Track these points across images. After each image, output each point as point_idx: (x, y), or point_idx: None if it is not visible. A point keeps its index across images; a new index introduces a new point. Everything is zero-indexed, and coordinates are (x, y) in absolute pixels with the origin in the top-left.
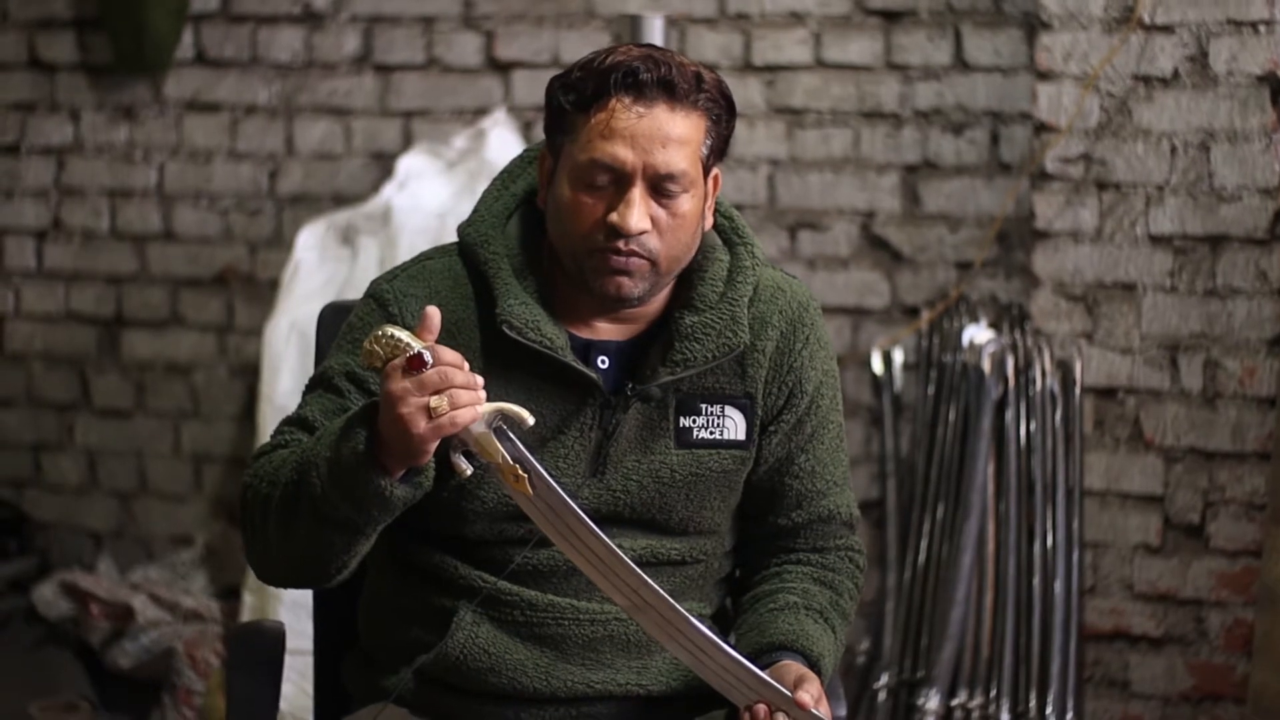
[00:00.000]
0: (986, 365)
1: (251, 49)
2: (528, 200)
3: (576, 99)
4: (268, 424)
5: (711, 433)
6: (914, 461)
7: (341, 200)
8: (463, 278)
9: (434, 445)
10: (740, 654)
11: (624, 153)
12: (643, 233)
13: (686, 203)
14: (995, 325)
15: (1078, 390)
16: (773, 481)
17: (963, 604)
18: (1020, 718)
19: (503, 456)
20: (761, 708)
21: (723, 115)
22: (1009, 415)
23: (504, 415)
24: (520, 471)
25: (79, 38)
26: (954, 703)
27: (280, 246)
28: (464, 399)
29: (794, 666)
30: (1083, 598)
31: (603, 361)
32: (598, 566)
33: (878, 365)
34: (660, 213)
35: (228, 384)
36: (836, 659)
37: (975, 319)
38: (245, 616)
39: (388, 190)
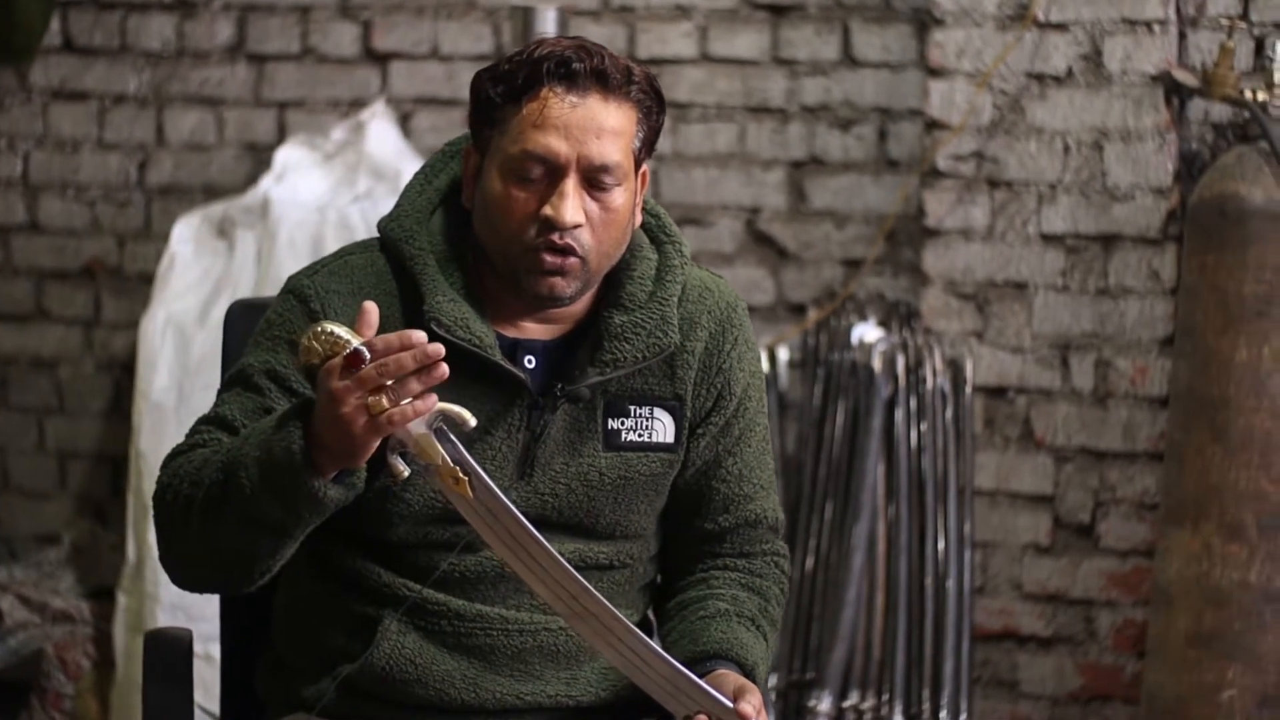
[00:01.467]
0: (877, 364)
1: (121, 36)
2: (451, 195)
3: (506, 90)
4: (143, 421)
5: (640, 435)
6: (801, 461)
7: (213, 192)
8: (386, 274)
9: (374, 444)
10: (679, 663)
11: (557, 143)
12: (577, 226)
13: (619, 196)
14: (884, 324)
15: (968, 389)
16: (699, 485)
17: (854, 605)
18: (914, 719)
19: (442, 458)
20: (702, 718)
21: (653, 108)
22: (899, 414)
23: (445, 416)
24: (460, 474)
25: None
26: (846, 704)
27: (149, 239)
28: (412, 388)
29: (731, 676)
30: (973, 597)
31: (529, 361)
32: (536, 573)
33: (764, 364)
34: (593, 207)
35: (94, 379)
36: (769, 666)
37: (863, 317)
38: (119, 618)
39: (265, 182)
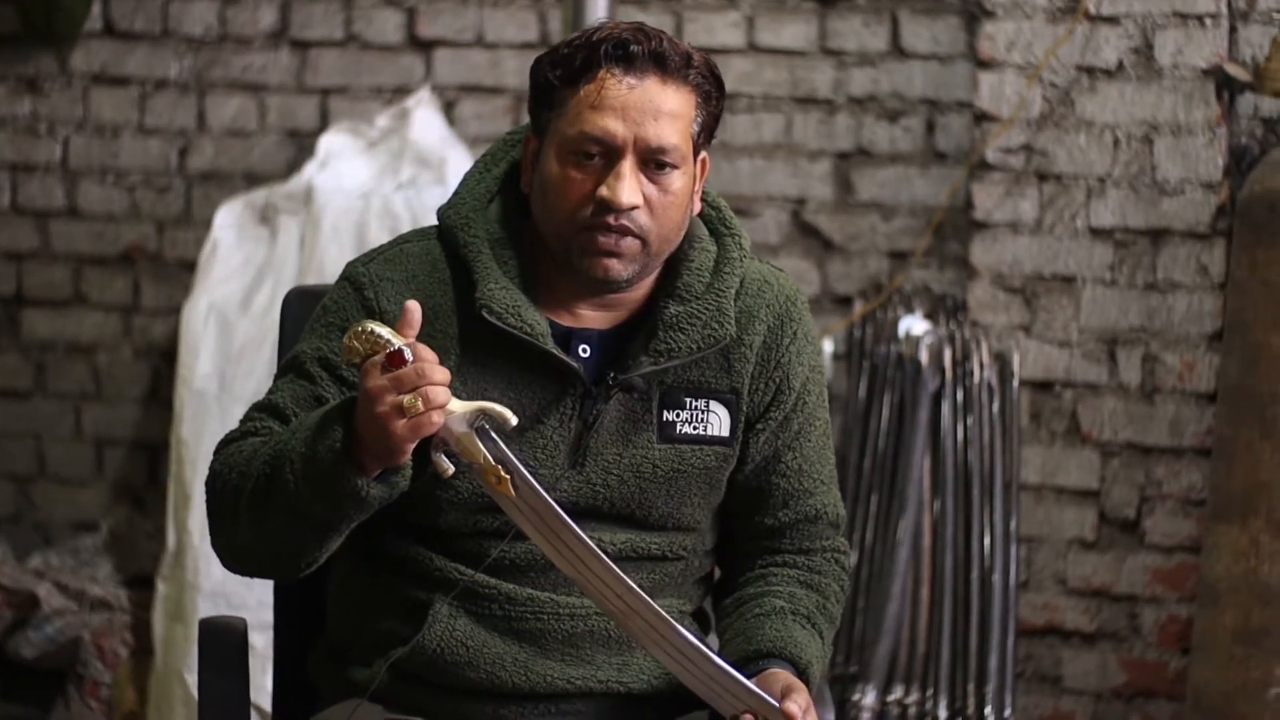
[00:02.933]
0: (923, 357)
1: (163, 21)
2: (509, 184)
3: (564, 73)
4: (185, 408)
5: (695, 428)
6: (846, 454)
7: (254, 179)
8: (441, 262)
9: (411, 445)
10: (726, 661)
11: (614, 125)
12: (634, 207)
13: (677, 180)
14: (931, 316)
15: (1015, 383)
16: (759, 480)
17: (899, 599)
18: (958, 713)
19: (484, 457)
20: (748, 717)
21: (712, 93)
22: (945, 408)
23: (486, 415)
24: (502, 473)
25: None
26: (890, 698)
27: (189, 225)
28: (438, 398)
29: (781, 675)
30: (1018, 592)
31: (584, 350)
32: (581, 570)
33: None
34: (651, 189)
35: (132, 366)
36: (824, 665)
37: (910, 310)
38: (158, 606)
39: (308, 169)
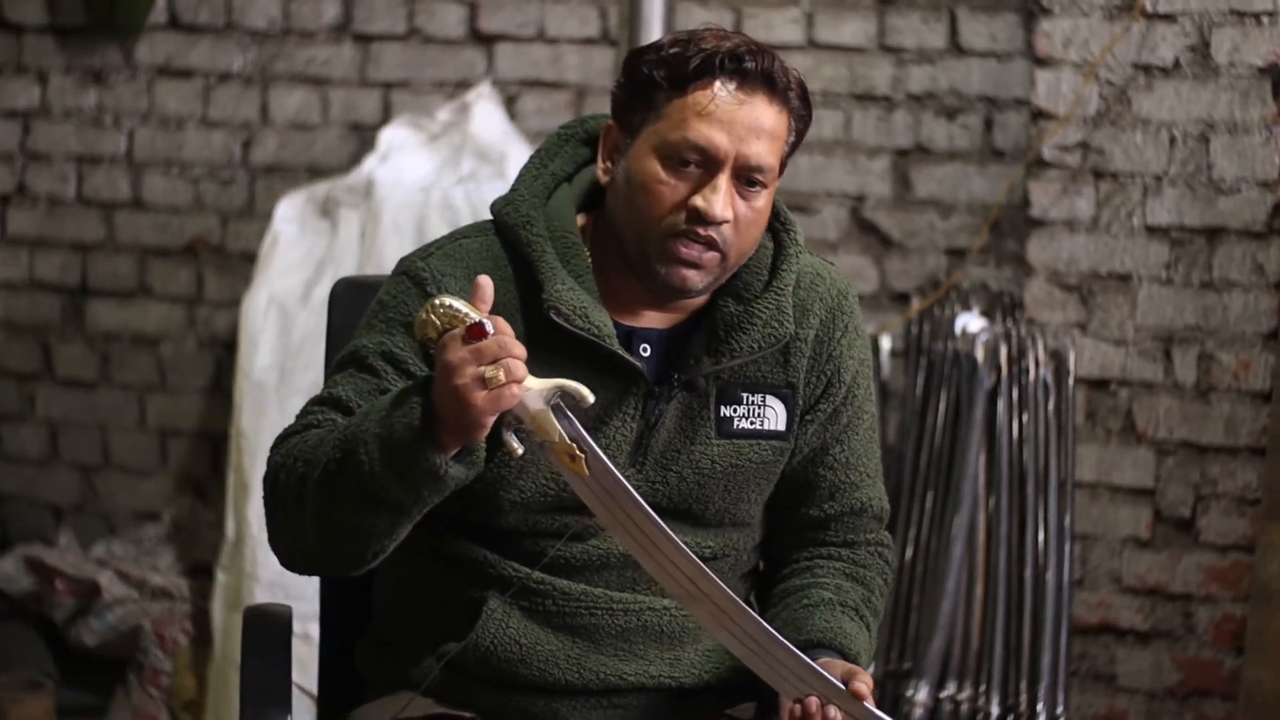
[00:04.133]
0: (979, 354)
1: (227, 14)
2: (565, 179)
3: (671, 75)
4: (245, 399)
5: (752, 423)
6: (902, 451)
7: (317, 172)
8: (502, 259)
9: (491, 419)
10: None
11: (720, 137)
12: (724, 222)
13: (763, 198)
14: (987, 314)
15: (1070, 381)
16: (806, 472)
17: (952, 595)
18: (1010, 711)
19: (559, 435)
20: (814, 700)
21: (804, 117)
22: (1001, 405)
23: (563, 392)
24: (576, 451)
25: None
26: (943, 695)
27: (253, 217)
28: (518, 370)
29: (837, 663)
30: (1072, 590)
31: (644, 349)
32: (651, 553)
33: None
34: (740, 205)
35: (196, 357)
36: (871, 657)
37: (967, 307)
38: (218, 596)
39: (369, 163)
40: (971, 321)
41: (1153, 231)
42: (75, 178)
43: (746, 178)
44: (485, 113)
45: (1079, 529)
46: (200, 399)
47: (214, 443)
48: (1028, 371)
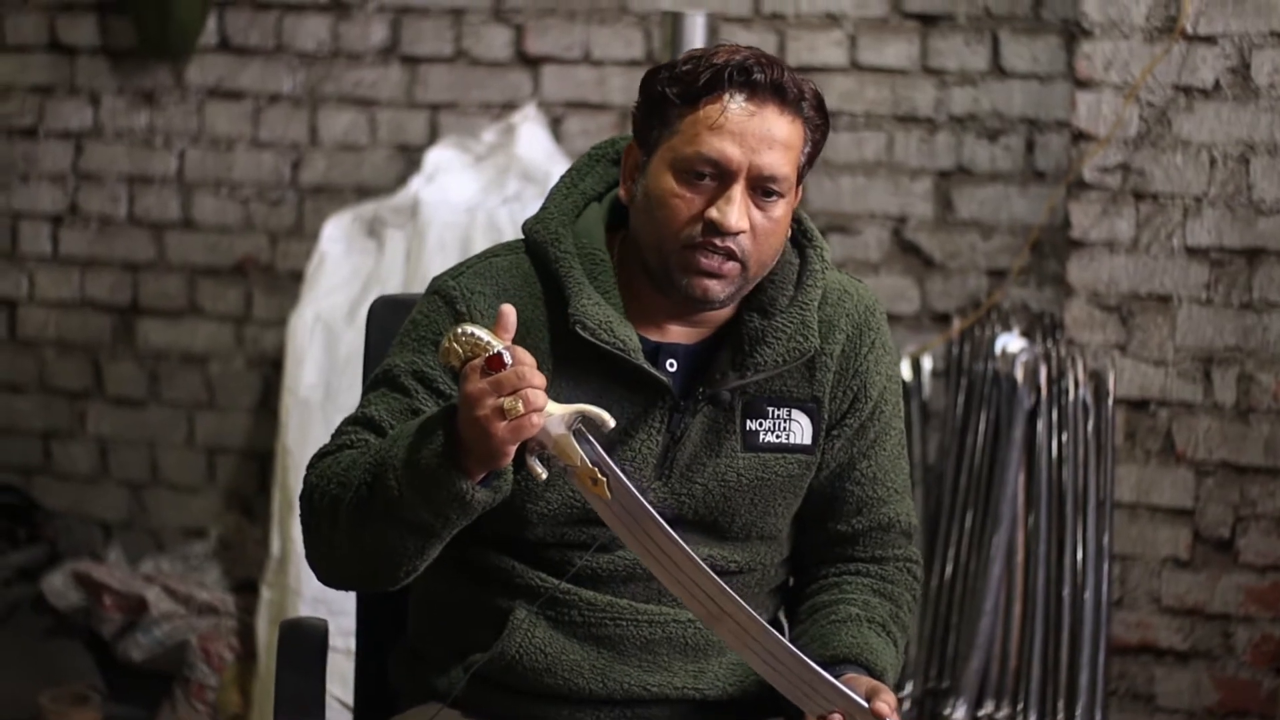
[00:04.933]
0: (1019, 374)
1: (276, 37)
2: (596, 199)
3: (683, 91)
4: (290, 417)
5: (778, 436)
6: (942, 470)
7: (365, 192)
8: (531, 276)
9: (513, 447)
10: (815, 662)
11: (732, 149)
12: (740, 232)
13: (781, 208)
14: (1027, 334)
15: (1110, 401)
16: (833, 487)
17: (991, 614)
18: None
19: (581, 459)
20: (837, 717)
21: (821, 126)
22: (1040, 425)
23: (584, 417)
24: (599, 475)
25: (101, 20)
26: (981, 713)
27: (301, 237)
28: (537, 400)
29: (863, 679)
30: (1110, 610)
31: (671, 365)
32: (674, 574)
33: (906, 372)
34: (757, 215)
35: (244, 375)
36: (897, 673)
37: (1007, 327)
38: (263, 611)
39: (415, 183)
40: (1012, 342)
41: (1193, 252)
42: (126, 198)
43: (762, 188)
44: (531, 134)
45: (1119, 549)
46: (248, 417)
47: (261, 460)
48: (1067, 392)
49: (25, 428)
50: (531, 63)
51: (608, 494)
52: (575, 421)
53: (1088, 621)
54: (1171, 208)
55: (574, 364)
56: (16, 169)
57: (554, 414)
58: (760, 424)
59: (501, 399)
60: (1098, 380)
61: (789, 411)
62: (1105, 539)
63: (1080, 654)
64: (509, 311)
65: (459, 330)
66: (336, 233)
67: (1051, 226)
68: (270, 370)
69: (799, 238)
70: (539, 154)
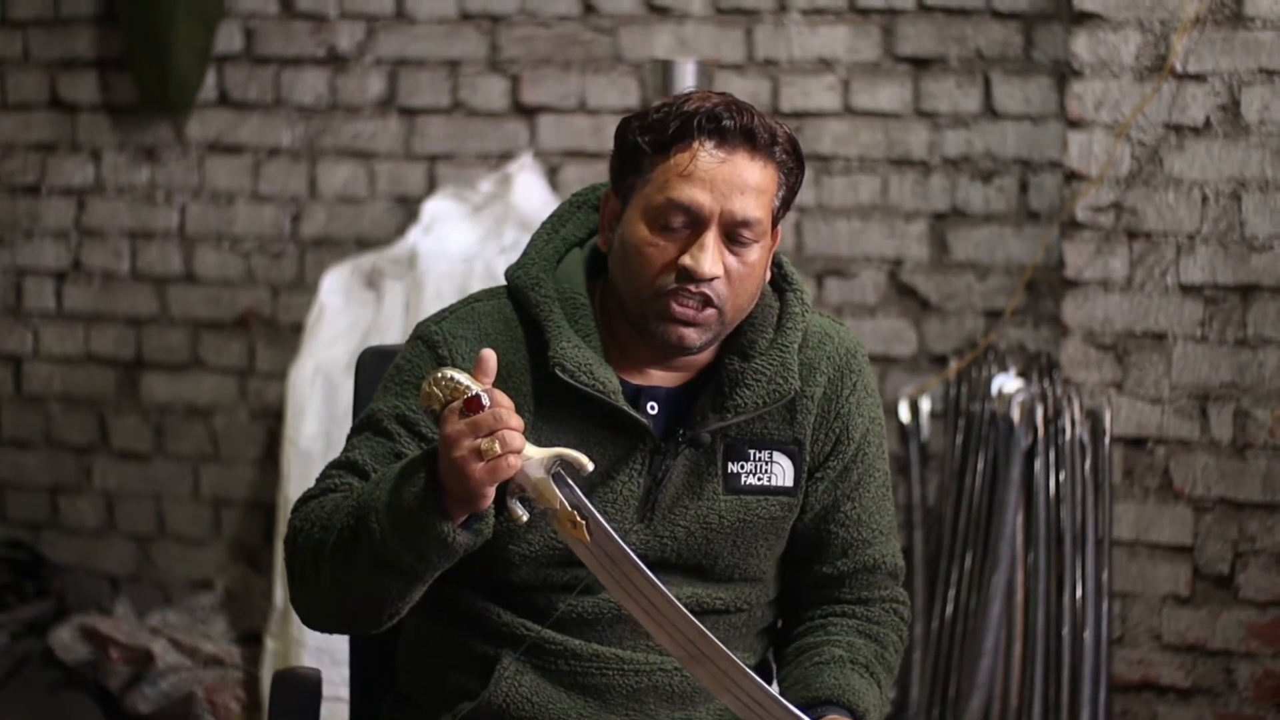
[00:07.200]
0: (1016, 414)
1: (275, 91)
2: (577, 244)
3: (654, 139)
4: (291, 468)
5: (759, 479)
6: (941, 511)
7: (365, 243)
8: (513, 321)
9: (492, 489)
10: (797, 708)
11: (703, 196)
12: (714, 278)
13: (755, 253)
14: (1024, 374)
15: (1107, 440)
16: (818, 529)
17: (991, 654)
18: None
19: (560, 502)
20: None
21: (794, 170)
22: (1038, 465)
23: (562, 460)
24: (578, 518)
25: (101, 77)
26: None
27: (303, 289)
28: (514, 442)
29: None
30: (1111, 648)
31: (652, 407)
32: (654, 616)
33: (905, 414)
34: (731, 261)
35: (248, 427)
36: (882, 714)
37: (1004, 368)
38: (267, 662)
39: (413, 234)
40: (1008, 382)
41: (1187, 290)
42: (129, 253)
43: (735, 234)
44: (527, 183)
45: (1118, 587)
46: (252, 469)
47: (266, 512)
48: (1064, 431)
49: (32, 483)
50: (528, 112)
51: (587, 536)
52: (554, 465)
53: (1088, 660)
54: (1165, 245)
55: (556, 407)
56: (20, 226)
57: (533, 457)
58: (742, 466)
59: (479, 440)
60: (1094, 419)
61: (770, 454)
62: (1105, 577)
63: (1081, 692)
64: (489, 356)
65: (439, 374)
66: (336, 284)
67: (1046, 266)
68: (274, 422)
69: (779, 281)
70: (536, 203)
